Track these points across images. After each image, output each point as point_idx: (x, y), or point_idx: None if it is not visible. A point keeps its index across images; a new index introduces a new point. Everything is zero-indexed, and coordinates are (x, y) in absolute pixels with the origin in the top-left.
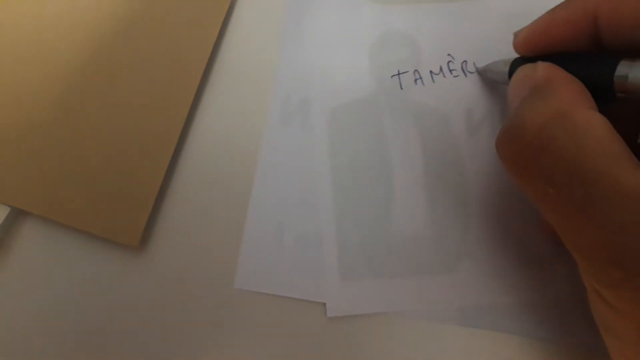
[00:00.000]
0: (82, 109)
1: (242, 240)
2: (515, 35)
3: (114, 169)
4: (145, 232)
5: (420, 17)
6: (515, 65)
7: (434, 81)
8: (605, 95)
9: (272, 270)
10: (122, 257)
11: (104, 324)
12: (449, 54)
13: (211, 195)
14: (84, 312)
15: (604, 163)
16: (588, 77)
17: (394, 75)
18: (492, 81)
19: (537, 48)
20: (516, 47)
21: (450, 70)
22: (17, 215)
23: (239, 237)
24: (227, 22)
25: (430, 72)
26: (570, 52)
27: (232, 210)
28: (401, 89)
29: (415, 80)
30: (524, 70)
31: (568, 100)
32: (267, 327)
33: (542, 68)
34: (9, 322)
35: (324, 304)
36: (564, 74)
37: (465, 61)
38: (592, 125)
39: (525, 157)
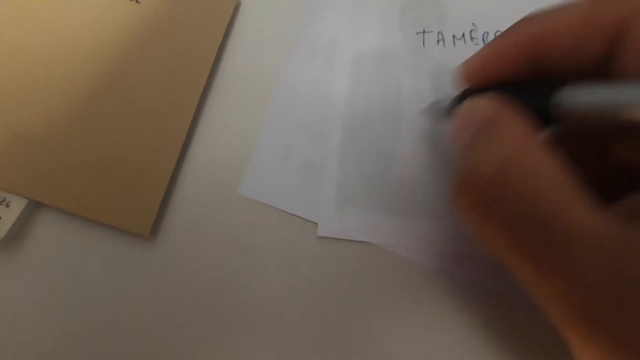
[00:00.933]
0: (97, 109)
1: (251, 154)
2: (460, 66)
3: (126, 164)
4: (155, 222)
5: None
6: (456, 100)
7: (454, 45)
8: (549, 121)
9: (275, 185)
10: (134, 246)
11: (117, 310)
12: (472, 23)
13: (216, 187)
14: (98, 299)
15: (559, 208)
16: (532, 107)
17: (418, 33)
18: (435, 120)
19: (481, 80)
20: (461, 78)
21: (472, 38)
22: (34, 207)
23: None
24: (231, 27)
25: (453, 36)
26: (511, 82)
27: (236, 202)
28: (423, 46)
29: (438, 41)
30: (469, 105)
31: (515, 143)
32: (265, 251)
33: (487, 104)
34: (26, 308)
35: (316, 223)
36: (508, 111)
37: (487, 32)
38: (542, 169)
39: (481, 207)
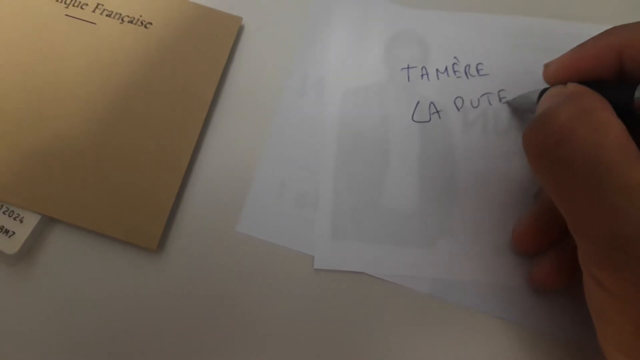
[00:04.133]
0: (108, 129)
1: (248, 192)
2: (546, 66)
3: (135, 181)
4: (162, 237)
5: (434, 21)
6: (543, 92)
7: (438, 78)
8: (628, 118)
9: (271, 221)
10: (141, 260)
11: (125, 321)
12: (454, 57)
13: (221, 202)
14: (107, 310)
15: (619, 158)
16: (612, 101)
17: (403, 69)
18: (522, 111)
19: (566, 79)
20: (546, 77)
21: (455, 71)
22: (47, 222)
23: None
24: (235, 48)
25: (437, 70)
26: (597, 80)
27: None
28: (408, 81)
29: (422, 75)
30: (555, 88)
31: (593, 102)
32: (261, 276)
33: (572, 85)
34: (38, 321)
35: (313, 256)
36: (592, 91)
37: (468, 65)
38: (612, 125)
39: (547, 146)
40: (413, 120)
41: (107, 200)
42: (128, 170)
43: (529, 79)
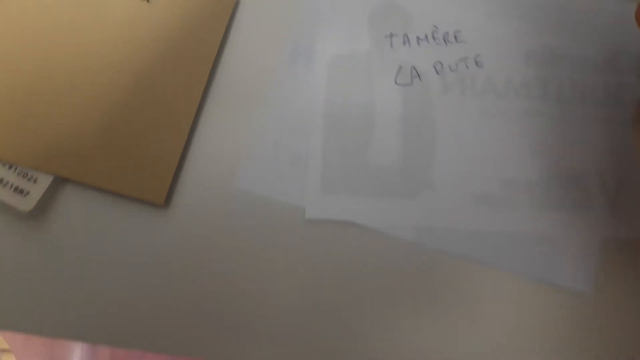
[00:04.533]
0: (115, 93)
1: (245, 151)
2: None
3: (142, 141)
4: (168, 193)
5: None
6: None
7: (419, 45)
8: None
9: (266, 177)
10: (150, 214)
11: (135, 275)
12: (434, 25)
13: (222, 160)
14: (117, 263)
15: None
16: None
17: (386, 36)
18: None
19: None
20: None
21: (434, 38)
22: (59, 182)
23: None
24: (231, 22)
25: (417, 37)
26: None
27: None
28: (391, 47)
29: (404, 42)
30: None
31: None
32: (259, 226)
33: None
34: (51, 273)
35: (304, 208)
36: None
37: (447, 32)
38: None
39: None
40: (396, 83)
41: (116, 160)
42: (135, 132)
43: (503, 45)
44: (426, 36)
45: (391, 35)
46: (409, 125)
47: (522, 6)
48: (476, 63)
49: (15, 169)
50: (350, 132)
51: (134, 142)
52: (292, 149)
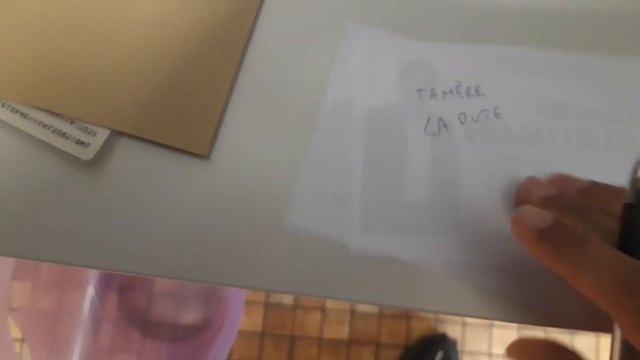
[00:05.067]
0: (162, 55)
1: (293, 196)
2: None
3: (187, 97)
4: (211, 145)
5: (440, 52)
6: None
7: (444, 98)
8: None
9: (314, 218)
10: (194, 165)
11: (182, 216)
12: (457, 80)
13: (270, 112)
14: (167, 208)
15: None
16: None
17: (416, 91)
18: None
19: None
20: None
21: (458, 92)
22: (115, 135)
23: (294, 153)
24: None
25: (443, 91)
26: None
27: (289, 130)
28: (420, 100)
29: (431, 95)
30: None
31: None
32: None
33: None
34: (110, 214)
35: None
36: None
37: (469, 87)
38: None
39: None
40: (425, 133)
41: (165, 115)
42: (182, 91)
43: (518, 97)
44: (451, 90)
45: (420, 90)
46: (437, 171)
47: (534, 62)
48: (495, 114)
49: (77, 124)
50: (386, 177)
51: (180, 100)
52: (335, 190)
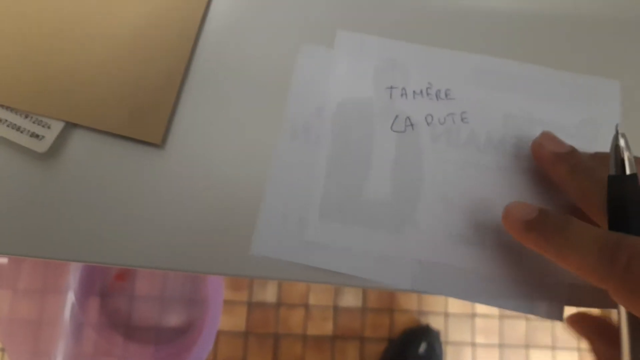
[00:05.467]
0: (113, 48)
1: (256, 221)
2: None
3: (139, 88)
4: (164, 134)
5: (415, 52)
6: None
7: (414, 98)
8: None
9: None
10: (148, 153)
11: (132, 208)
12: (429, 82)
13: (224, 101)
14: (119, 202)
15: None
16: None
17: (387, 88)
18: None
19: None
20: None
21: (428, 94)
22: (70, 127)
23: (248, 141)
24: None
25: (414, 91)
26: None
27: (243, 118)
28: (390, 98)
29: (401, 94)
30: None
31: None
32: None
33: None
34: (65, 204)
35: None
36: None
37: (439, 89)
38: None
39: None
40: (392, 130)
41: (118, 107)
42: (134, 83)
43: (486, 105)
44: (421, 91)
45: (391, 88)
46: (400, 167)
47: (506, 72)
48: (462, 119)
49: (31, 117)
50: (349, 171)
51: (133, 91)
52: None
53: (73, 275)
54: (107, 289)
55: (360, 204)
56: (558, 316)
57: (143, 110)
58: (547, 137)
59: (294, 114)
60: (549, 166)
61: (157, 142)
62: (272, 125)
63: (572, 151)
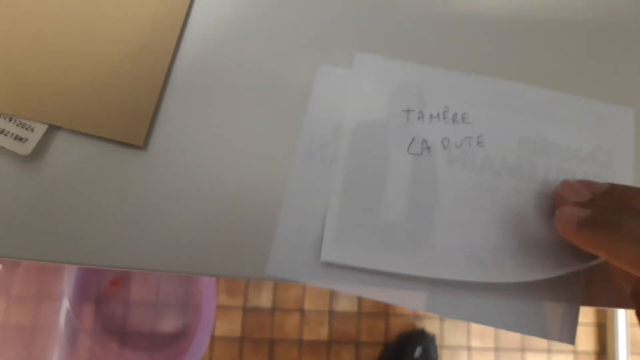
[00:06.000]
0: (96, 52)
1: (274, 237)
2: None
3: (121, 92)
4: (147, 136)
5: (431, 76)
6: None
7: (431, 121)
8: None
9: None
10: (130, 155)
11: (115, 209)
12: (445, 106)
13: (206, 103)
14: (102, 203)
15: None
16: None
17: (404, 111)
18: None
19: None
20: None
21: (444, 117)
22: (53, 130)
23: (229, 142)
24: None
25: (430, 114)
26: None
27: (225, 118)
28: (407, 120)
29: (418, 117)
30: None
31: None
32: (236, 239)
33: None
34: (48, 205)
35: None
36: None
37: (456, 113)
38: None
39: None
40: (408, 152)
41: (100, 109)
42: (116, 81)
43: (502, 129)
44: (438, 114)
45: (408, 111)
46: (416, 189)
47: (522, 99)
48: (478, 142)
49: (15, 120)
50: (366, 191)
51: (115, 93)
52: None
53: (68, 282)
54: (102, 295)
55: (376, 225)
56: (570, 340)
57: (125, 112)
58: (566, 187)
59: (311, 134)
60: (574, 235)
61: (140, 144)
62: (254, 126)
63: (592, 200)
